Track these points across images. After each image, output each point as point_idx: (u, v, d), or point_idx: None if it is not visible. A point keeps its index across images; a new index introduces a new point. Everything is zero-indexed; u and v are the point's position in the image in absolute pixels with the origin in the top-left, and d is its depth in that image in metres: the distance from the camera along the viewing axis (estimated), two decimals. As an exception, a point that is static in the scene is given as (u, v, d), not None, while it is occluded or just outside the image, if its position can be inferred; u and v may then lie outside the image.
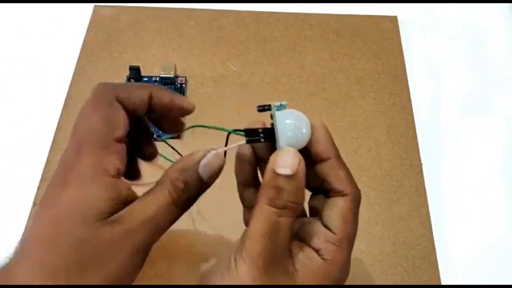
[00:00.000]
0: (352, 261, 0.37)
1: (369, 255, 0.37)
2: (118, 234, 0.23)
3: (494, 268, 0.38)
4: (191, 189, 0.25)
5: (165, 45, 0.48)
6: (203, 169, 0.25)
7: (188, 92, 0.45)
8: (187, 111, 0.29)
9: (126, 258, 0.23)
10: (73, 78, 0.46)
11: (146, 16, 0.50)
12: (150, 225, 0.24)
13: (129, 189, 0.25)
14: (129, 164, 0.27)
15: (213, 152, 0.26)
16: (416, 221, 0.39)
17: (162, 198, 0.25)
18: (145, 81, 0.45)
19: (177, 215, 0.25)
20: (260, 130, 0.25)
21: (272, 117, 0.25)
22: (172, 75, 0.45)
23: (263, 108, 0.26)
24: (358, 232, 0.38)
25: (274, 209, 0.23)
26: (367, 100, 0.45)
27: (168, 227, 0.25)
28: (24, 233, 0.25)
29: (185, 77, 0.45)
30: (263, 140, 0.25)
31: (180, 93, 0.44)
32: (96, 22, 0.50)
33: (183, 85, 0.45)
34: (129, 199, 0.25)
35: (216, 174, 0.26)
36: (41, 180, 0.40)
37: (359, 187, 0.40)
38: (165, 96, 0.28)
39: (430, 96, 0.46)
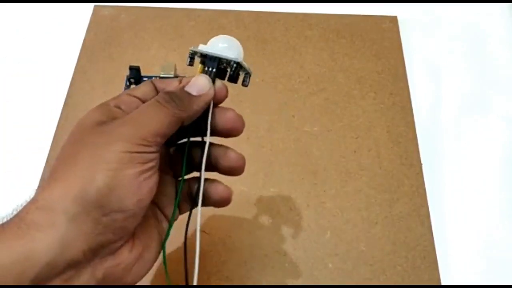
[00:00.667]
0: (352, 261, 0.37)
1: (369, 255, 0.37)
2: (108, 127, 0.24)
3: (494, 268, 0.38)
4: (181, 100, 0.26)
5: (165, 45, 0.48)
6: (190, 87, 0.27)
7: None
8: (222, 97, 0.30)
9: (121, 147, 0.23)
10: (73, 78, 0.46)
11: (146, 16, 0.50)
12: (139, 121, 0.25)
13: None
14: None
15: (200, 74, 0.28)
16: (416, 221, 0.39)
17: (151, 103, 0.26)
18: (145, 81, 0.45)
19: (173, 124, 0.25)
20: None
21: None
22: (172, 75, 0.44)
23: (192, 58, 0.30)
24: (358, 232, 0.38)
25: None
26: (367, 100, 0.45)
27: (165, 135, 0.25)
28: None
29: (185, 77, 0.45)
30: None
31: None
32: (96, 22, 0.50)
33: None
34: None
35: (204, 92, 0.27)
36: (41, 180, 0.40)
37: (359, 187, 0.40)
38: (169, 83, 0.28)
39: (430, 96, 0.46)
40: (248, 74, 0.29)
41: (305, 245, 0.38)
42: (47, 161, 0.41)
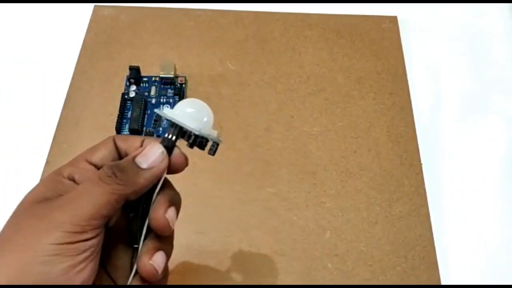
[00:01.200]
0: (351, 261, 0.37)
1: (368, 255, 0.37)
2: (45, 209, 0.23)
3: (493, 268, 0.38)
4: (126, 173, 0.24)
5: (165, 45, 0.48)
6: (140, 157, 0.24)
7: (188, 92, 0.45)
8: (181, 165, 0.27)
9: (47, 236, 0.22)
10: (73, 78, 0.46)
11: (146, 16, 0.50)
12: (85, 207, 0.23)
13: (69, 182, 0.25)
14: None
15: (154, 144, 0.25)
16: (416, 221, 0.39)
17: (91, 180, 0.24)
18: (145, 81, 0.45)
19: (114, 203, 0.23)
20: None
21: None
22: (171, 75, 0.44)
23: (156, 121, 0.27)
24: (357, 232, 0.38)
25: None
26: (367, 100, 0.45)
27: (106, 214, 0.23)
28: None
29: (185, 77, 0.45)
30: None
31: (180, 93, 0.44)
32: (96, 22, 0.50)
33: (183, 85, 0.45)
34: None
35: (155, 165, 0.25)
36: (41, 180, 0.40)
37: (359, 187, 0.40)
38: (130, 145, 0.26)
39: (430, 96, 0.46)
40: (215, 143, 0.26)
41: (304, 245, 0.38)
42: (47, 161, 0.41)
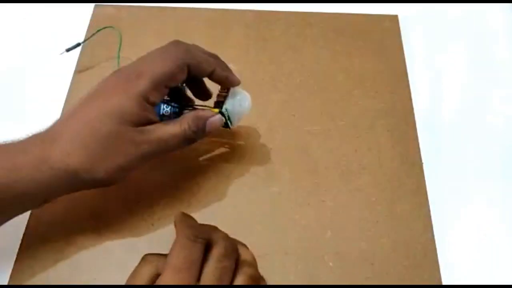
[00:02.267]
0: (352, 260, 0.37)
1: (369, 253, 0.37)
2: (140, 139, 0.33)
3: (494, 268, 0.38)
4: (197, 133, 0.35)
5: (166, 44, 0.48)
6: (209, 125, 0.36)
7: (189, 91, 0.45)
8: (235, 85, 0.38)
9: (137, 156, 0.33)
10: (73, 78, 0.46)
11: (147, 16, 0.50)
12: (162, 143, 0.33)
13: (154, 115, 0.34)
14: (199, 90, 0.40)
15: (219, 116, 0.36)
16: (416, 220, 0.39)
17: (178, 130, 0.34)
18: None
19: (182, 146, 0.35)
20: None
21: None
22: (172, 75, 0.44)
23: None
24: (358, 231, 0.38)
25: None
26: (367, 99, 0.45)
27: (173, 150, 0.35)
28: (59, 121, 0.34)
29: (186, 77, 0.45)
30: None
31: (180, 93, 0.44)
32: (97, 21, 0.50)
33: (183, 85, 0.45)
34: (152, 121, 0.34)
35: (215, 130, 0.36)
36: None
37: (360, 186, 0.40)
38: (223, 74, 0.36)
39: (430, 95, 0.46)
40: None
41: (305, 244, 0.38)
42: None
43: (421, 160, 0.42)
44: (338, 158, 0.42)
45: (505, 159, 0.43)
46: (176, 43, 0.36)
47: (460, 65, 0.49)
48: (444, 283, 0.36)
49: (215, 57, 0.38)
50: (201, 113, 0.36)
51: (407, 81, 0.46)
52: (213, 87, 0.39)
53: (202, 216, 0.39)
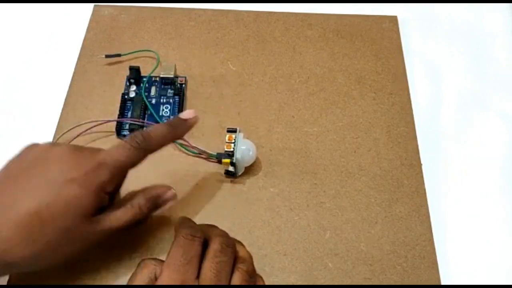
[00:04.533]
0: (351, 261, 0.37)
1: (368, 254, 0.37)
2: (91, 230, 0.31)
3: (493, 268, 0.38)
4: (150, 212, 0.35)
5: (165, 45, 0.48)
6: (163, 203, 0.36)
7: (188, 92, 0.45)
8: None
9: (85, 248, 0.32)
10: (73, 78, 0.46)
11: (146, 16, 0.50)
12: (113, 231, 0.32)
13: (107, 201, 0.33)
14: None
15: (172, 191, 0.36)
16: (415, 221, 0.39)
17: (129, 215, 0.33)
18: (145, 81, 0.45)
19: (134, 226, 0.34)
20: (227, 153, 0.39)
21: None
22: (172, 75, 0.45)
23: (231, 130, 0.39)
24: (357, 232, 0.39)
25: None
26: (367, 100, 0.45)
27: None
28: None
29: (185, 77, 0.45)
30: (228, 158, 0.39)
31: (180, 93, 0.44)
32: (96, 22, 0.50)
33: (183, 85, 0.45)
34: (104, 204, 0.33)
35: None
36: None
37: (359, 187, 0.41)
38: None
39: (430, 96, 0.46)
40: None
41: (305, 245, 0.38)
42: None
43: (420, 161, 0.42)
44: (337, 159, 0.42)
45: (504, 160, 0.43)
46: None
47: (459, 65, 0.49)
48: (443, 283, 0.37)
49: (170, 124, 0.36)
50: (153, 191, 0.35)
51: (406, 82, 0.46)
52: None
53: (201, 217, 0.39)
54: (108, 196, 0.33)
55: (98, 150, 0.33)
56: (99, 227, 0.31)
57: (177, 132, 0.36)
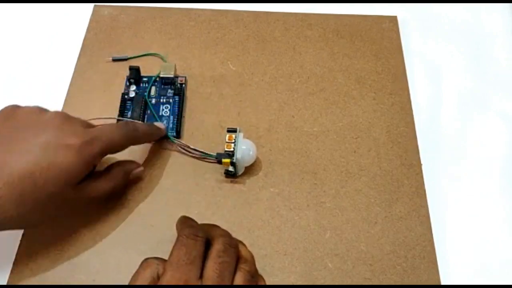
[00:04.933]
0: (351, 261, 0.37)
1: (368, 254, 0.37)
2: (74, 196, 0.33)
3: (494, 268, 0.38)
4: (125, 183, 0.38)
5: (165, 45, 0.48)
6: (133, 176, 0.39)
7: (188, 92, 0.45)
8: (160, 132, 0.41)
9: (67, 212, 0.34)
10: (72, 78, 0.46)
11: (146, 16, 0.50)
12: (93, 200, 0.35)
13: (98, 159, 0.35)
14: None
15: (141, 168, 0.39)
16: (415, 221, 0.39)
17: (109, 188, 0.36)
18: (145, 81, 0.45)
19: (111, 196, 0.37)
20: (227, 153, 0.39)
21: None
22: (172, 75, 0.45)
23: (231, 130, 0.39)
24: (357, 232, 0.39)
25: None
26: (366, 100, 0.45)
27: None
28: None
29: (185, 77, 0.45)
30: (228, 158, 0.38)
31: (180, 93, 0.44)
32: (96, 22, 0.50)
33: (183, 85, 0.45)
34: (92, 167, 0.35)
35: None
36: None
37: (359, 187, 0.41)
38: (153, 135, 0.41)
39: (430, 96, 0.46)
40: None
41: (305, 244, 0.38)
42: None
43: (420, 161, 0.42)
44: (337, 159, 0.42)
45: (503, 160, 0.43)
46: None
47: (459, 65, 0.49)
48: (443, 283, 0.37)
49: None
50: (127, 165, 0.38)
51: (406, 82, 0.46)
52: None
53: (201, 217, 0.39)
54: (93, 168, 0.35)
55: (91, 124, 0.36)
56: (83, 195, 0.33)
57: (153, 136, 0.40)
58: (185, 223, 0.31)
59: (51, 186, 0.31)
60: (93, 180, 0.35)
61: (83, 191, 0.34)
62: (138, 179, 0.40)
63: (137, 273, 0.29)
